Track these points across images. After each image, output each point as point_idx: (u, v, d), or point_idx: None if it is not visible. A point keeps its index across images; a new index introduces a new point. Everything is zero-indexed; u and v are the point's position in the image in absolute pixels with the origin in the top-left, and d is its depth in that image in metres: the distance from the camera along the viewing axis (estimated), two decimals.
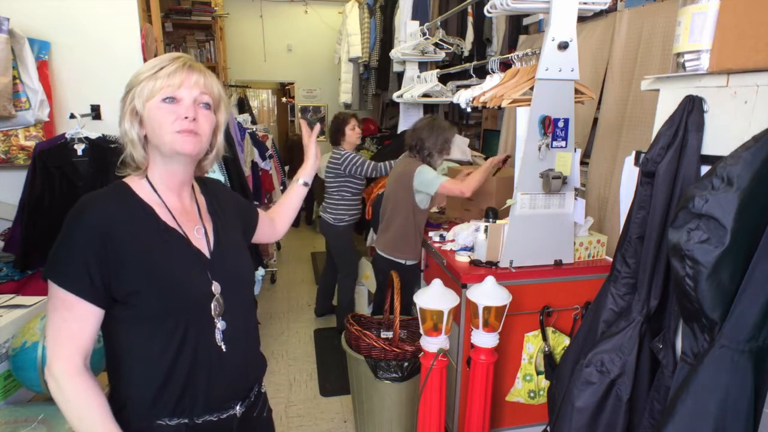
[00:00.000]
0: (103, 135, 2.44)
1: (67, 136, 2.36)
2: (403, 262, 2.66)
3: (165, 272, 0.96)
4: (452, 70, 3.41)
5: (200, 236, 1.05)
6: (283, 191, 4.46)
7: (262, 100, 8.83)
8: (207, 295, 1.00)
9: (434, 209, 3.16)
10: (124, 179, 1.02)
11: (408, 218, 2.61)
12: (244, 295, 1.10)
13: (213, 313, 0.99)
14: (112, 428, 0.91)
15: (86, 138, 2.38)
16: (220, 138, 1.06)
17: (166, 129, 0.94)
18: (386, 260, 2.71)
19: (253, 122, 4.38)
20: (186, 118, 0.94)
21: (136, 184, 1.01)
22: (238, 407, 1.06)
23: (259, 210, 1.31)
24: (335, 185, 3.34)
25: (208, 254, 1.04)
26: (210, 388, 1.00)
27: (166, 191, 1.02)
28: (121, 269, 0.91)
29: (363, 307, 3.62)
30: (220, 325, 1.00)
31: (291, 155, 6.21)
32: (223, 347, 1.01)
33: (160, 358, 0.95)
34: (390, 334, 2.34)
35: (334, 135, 3.35)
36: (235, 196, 1.24)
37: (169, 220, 1.00)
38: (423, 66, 3.83)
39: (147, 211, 0.98)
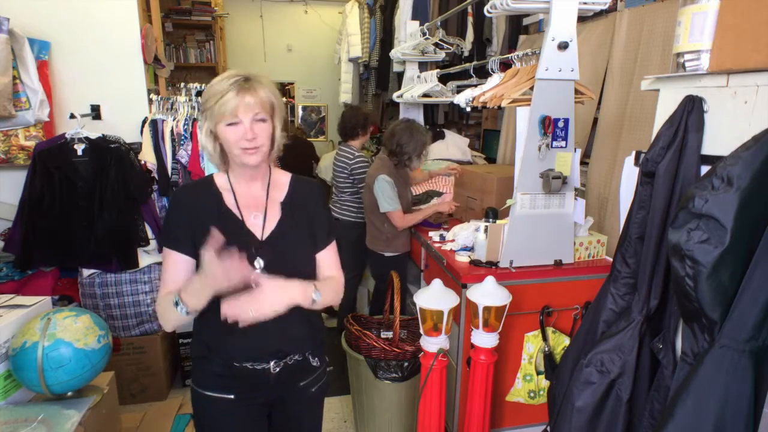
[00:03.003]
0: (103, 135, 2.44)
1: (67, 136, 2.37)
2: (382, 254, 2.78)
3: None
4: (452, 70, 3.41)
5: (257, 221, 1.27)
6: None
7: None
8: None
9: None
10: (213, 172, 1.33)
11: (375, 215, 2.74)
12: (292, 278, 1.23)
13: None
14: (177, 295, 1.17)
15: (86, 138, 2.38)
16: (278, 135, 1.26)
17: (233, 146, 1.18)
18: (371, 252, 2.84)
19: None
20: (246, 139, 1.16)
21: (218, 175, 1.31)
22: (272, 363, 1.26)
23: (324, 253, 1.35)
24: (349, 184, 3.12)
25: (260, 236, 1.25)
26: (247, 341, 1.22)
27: (238, 182, 1.29)
28: (195, 238, 1.20)
29: (363, 307, 3.62)
30: None
31: (283, 154, 6.14)
32: None
33: (208, 309, 1.19)
34: (390, 334, 2.34)
35: (352, 130, 3.12)
36: (321, 210, 1.37)
37: (232, 205, 1.26)
38: (423, 66, 3.83)
39: (216, 197, 1.27)
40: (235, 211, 1.26)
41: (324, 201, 1.40)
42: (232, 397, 1.27)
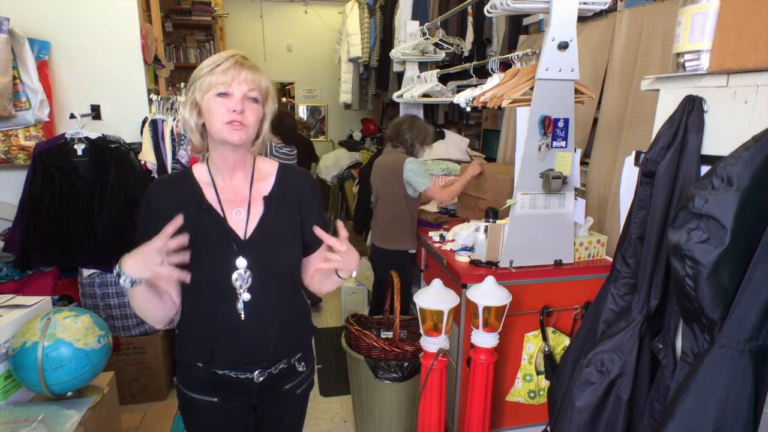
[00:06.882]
0: (103, 135, 2.44)
1: (67, 136, 2.37)
2: (405, 250, 2.74)
3: (194, 244, 1.10)
4: (452, 70, 3.41)
5: (239, 217, 1.18)
6: None
7: None
8: (228, 268, 1.14)
9: (435, 208, 3.16)
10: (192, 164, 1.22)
11: (401, 207, 2.71)
12: (277, 278, 1.21)
13: (234, 284, 1.14)
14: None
15: (86, 138, 2.38)
16: (266, 127, 1.18)
17: (218, 119, 1.09)
18: (384, 252, 2.77)
19: None
20: (234, 111, 1.08)
21: (197, 167, 1.21)
22: (256, 373, 1.21)
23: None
24: None
25: (243, 233, 1.17)
26: (230, 347, 1.17)
27: (219, 173, 1.19)
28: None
29: (363, 308, 3.62)
30: (244, 296, 1.15)
31: None
32: (242, 316, 1.15)
33: (191, 312, 1.19)
34: (390, 334, 2.34)
35: (291, 131, 3.31)
36: (314, 205, 1.27)
37: (213, 200, 1.17)
38: (423, 66, 3.83)
39: (196, 192, 1.17)
40: (216, 207, 1.17)
41: (317, 193, 1.30)
42: (215, 400, 1.23)
